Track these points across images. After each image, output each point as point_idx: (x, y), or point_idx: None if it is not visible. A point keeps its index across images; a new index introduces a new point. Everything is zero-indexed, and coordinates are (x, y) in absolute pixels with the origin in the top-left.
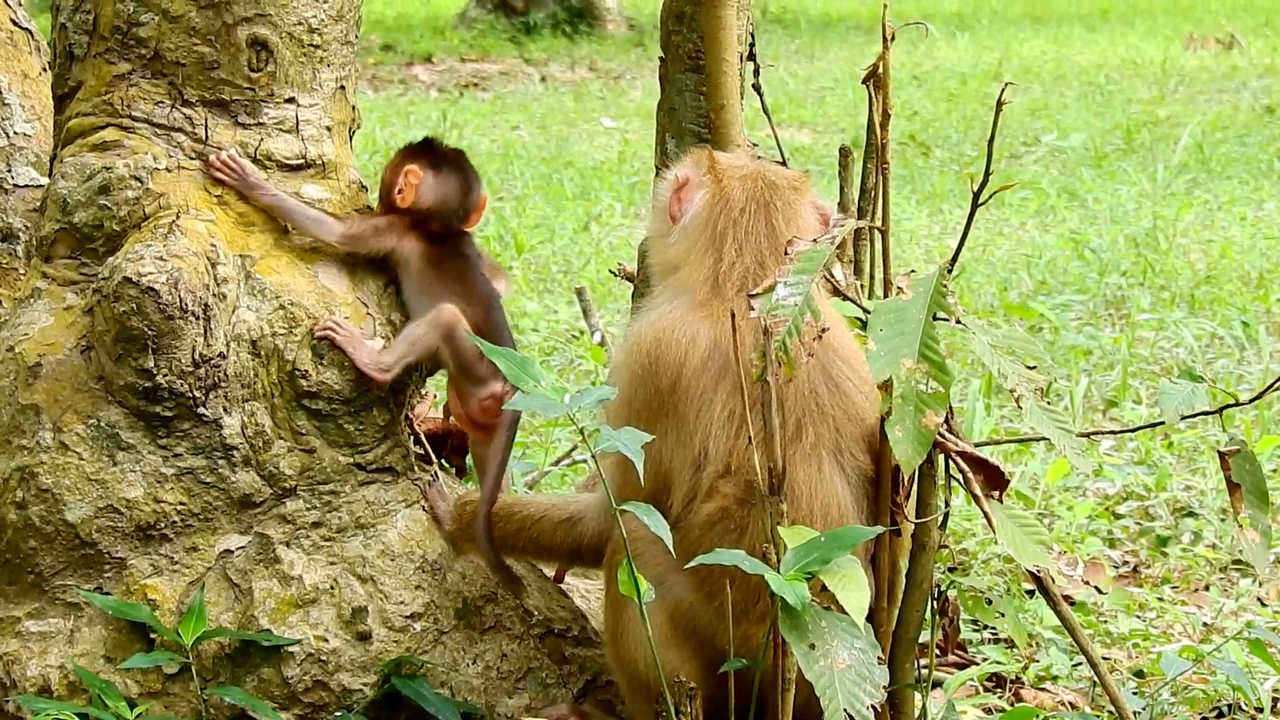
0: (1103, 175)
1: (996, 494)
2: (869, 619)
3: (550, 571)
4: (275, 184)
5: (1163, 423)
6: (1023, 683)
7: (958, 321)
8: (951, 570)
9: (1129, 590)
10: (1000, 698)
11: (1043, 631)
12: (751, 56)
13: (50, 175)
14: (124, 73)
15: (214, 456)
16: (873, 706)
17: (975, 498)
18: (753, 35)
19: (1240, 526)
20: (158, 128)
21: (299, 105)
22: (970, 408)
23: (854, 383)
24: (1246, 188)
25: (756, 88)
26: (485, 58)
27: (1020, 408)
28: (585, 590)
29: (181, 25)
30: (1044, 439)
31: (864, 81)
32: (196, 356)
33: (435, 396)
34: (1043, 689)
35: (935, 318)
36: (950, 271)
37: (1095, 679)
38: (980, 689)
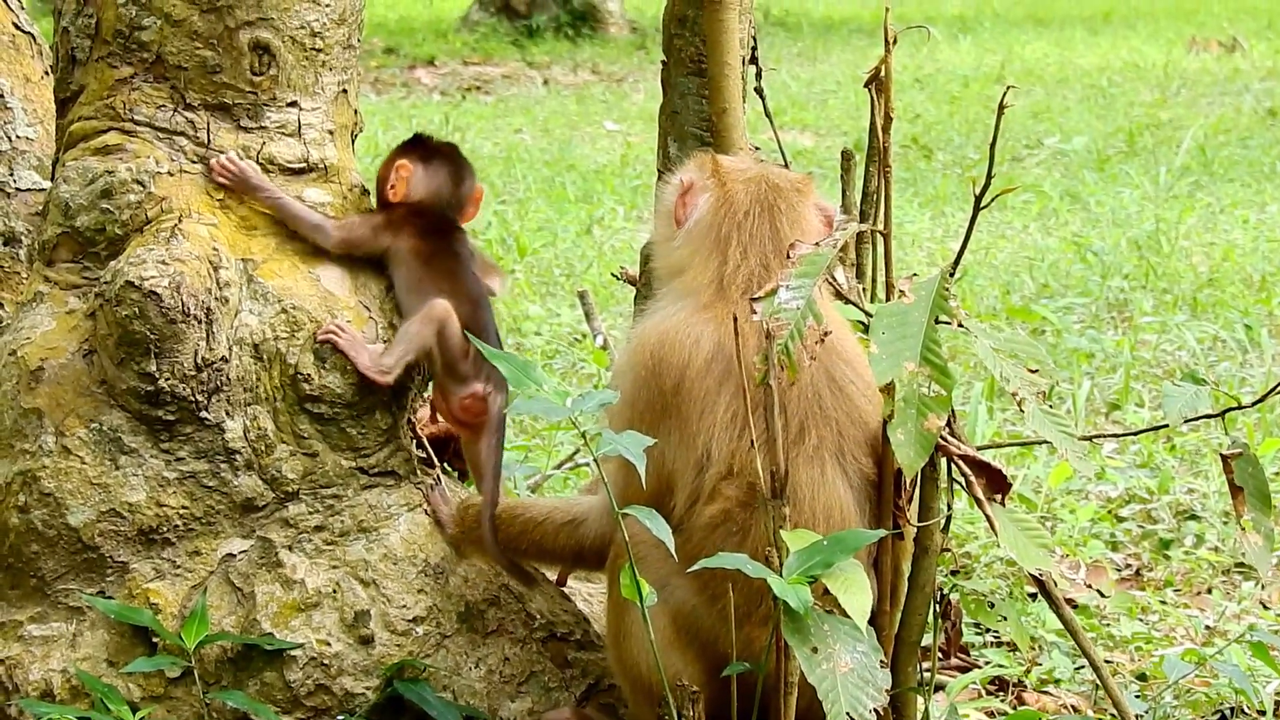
0: (1105, 178)
1: (999, 497)
2: (871, 622)
3: (552, 575)
4: (278, 186)
5: (1165, 426)
6: (1025, 686)
7: (960, 325)
8: (954, 573)
9: (1131, 593)
10: (1003, 701)
11: (1045, 635)
12: (754, 60)
13: (52, 179)
14: (126, 76)
15: (216, 460)
16: (875, 710)
17: (977, 501)
18: (755, 38)
19: (1243, 529)
20: (160, 131)
21: (301, 109)
22: (972, 411)
23: (857, 385)
24: (1249, 190)
25: (759, 91)
26: (488, 61)
27: (1022, 411)
28: (588, 594)
29: (184, 29)
30: (1046, 442)
31: (866, 84)
32: (199, 360)
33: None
34: (1045, 692)
35: (937, 321)
36: (952, 274)
37: (1098, 682)
38: (983, 692)
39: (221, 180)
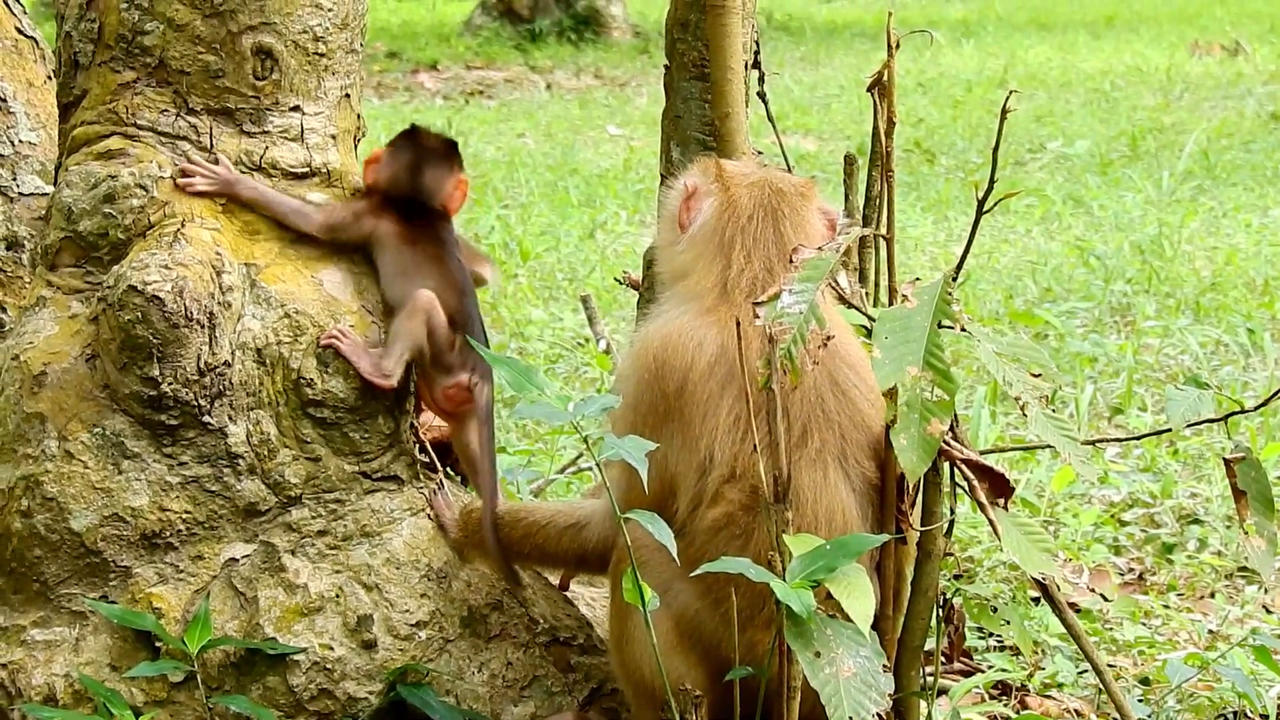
0: (1108, 182)
1: (1001, 501)
2: (874, 627)
3: (555, 579)
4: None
5: (1168, 430)
6: (1028, 690)
7: (963, 329)
8: (957, 578)
9: (1134, 597)
10: (1006, 705)
11: (1048, 639)
12: (756, 64)
13: (55, 184)
14: (129, 81)
15: (219, 465)
16: (878, 714)
17: (980, 505)
18: (757, 43)
19: (1246, 533)
20: (163, 136)
21: (304, 113)
22: (975, 415)
23: (860, 389)
24: (1251, 194)
25: (761, 95)
26: (491, 65)
27: (1025, 415)
28: (590, 598)
29: (186, 34)
30: (1049, 446)
31: (869, 89)
32: (201, 365)
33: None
34: (1048, 697)
35: (940, 325)
36: (955, 279)
37: (1101, 686)
38: (985, 697)
39: (199, 188)
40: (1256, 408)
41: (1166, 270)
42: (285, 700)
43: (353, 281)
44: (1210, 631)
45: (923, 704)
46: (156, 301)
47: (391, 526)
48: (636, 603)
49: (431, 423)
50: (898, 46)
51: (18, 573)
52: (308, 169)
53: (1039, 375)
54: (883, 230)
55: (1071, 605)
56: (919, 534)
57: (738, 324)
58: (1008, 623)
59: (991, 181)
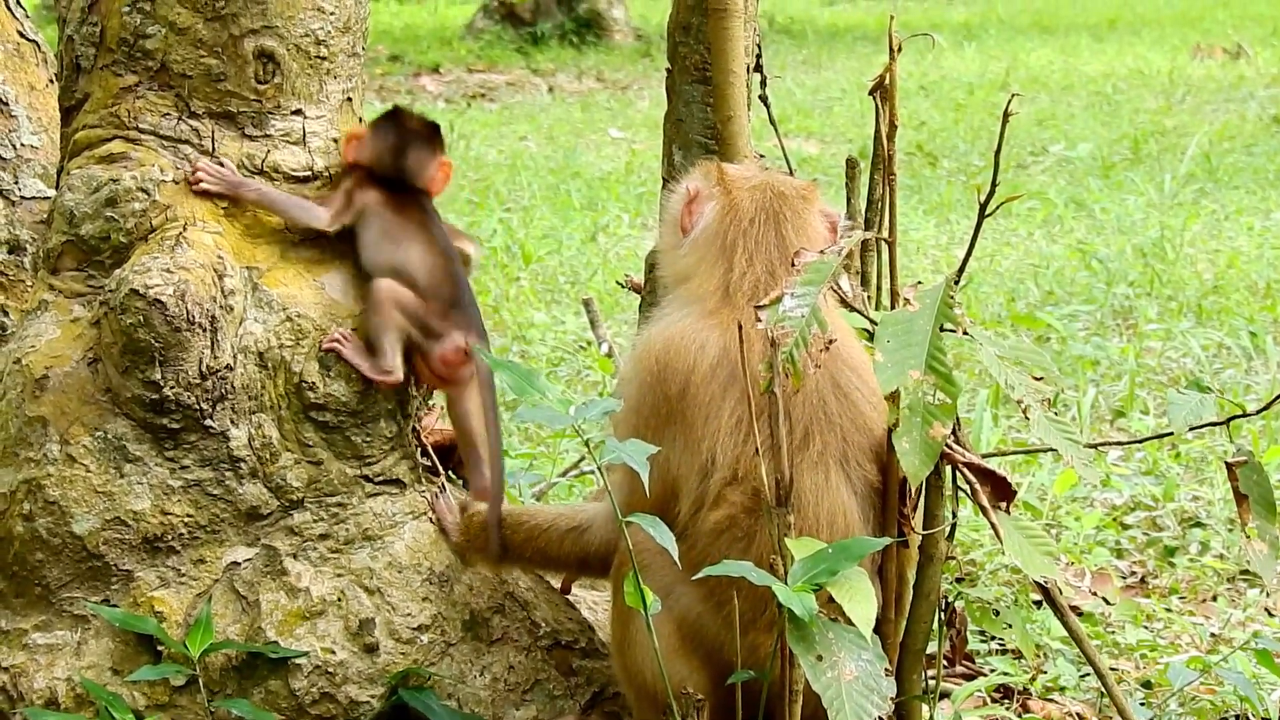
0: (1110, 185)
1: (1004, 505)
2: (876, 630)
3: (557, 582)
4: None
5: (1170, 433)
6: (1030, 694)
7: (965, 332)
8: (959, 581)
9: (1136, 601)
10: (1008, 709)
11: (1050, 642)
12: (758, 67)
13: (57, 187)
14: (131, 85)
15: (221, 468)
16: (880, 718)
17: (982, 509)
18: (759, 46)
19: (1248, 537)
20: (165, 140)
21: (306, 117)
22: (977, 418)
23: (862, 392)
24: (1254, 197)
25: (763, 99)
26: (492, 68)
27: (1028, 418)
28: (593, 602)
29: (188, 37)
30: (1051, 450)
31: (871, 92)
32: (203, 368)
33: (441, 409)
34: (1050, 700)
35: (942, 329)
36: (957, 282)
37: (1103, 690)
38: (988, 700)
39: (204, 188)
40: (1259, 411)
41: (1168, 273)
42: (287, 704)
43: (354, 285)
44: (1212, 635)
45: (925, 707)
46: (158, 305)
47: (393, 530)
48: (638, 606)
49: (434, 426)
50: (900, 50)
51: (19, 576)
52: (310, 172)
53: (1041, 378)
54: (884, 233)
55: (1073, 608)
56: (921, 537)
57: (740, 327)
58: (1010, 626)
59: (993, 184)
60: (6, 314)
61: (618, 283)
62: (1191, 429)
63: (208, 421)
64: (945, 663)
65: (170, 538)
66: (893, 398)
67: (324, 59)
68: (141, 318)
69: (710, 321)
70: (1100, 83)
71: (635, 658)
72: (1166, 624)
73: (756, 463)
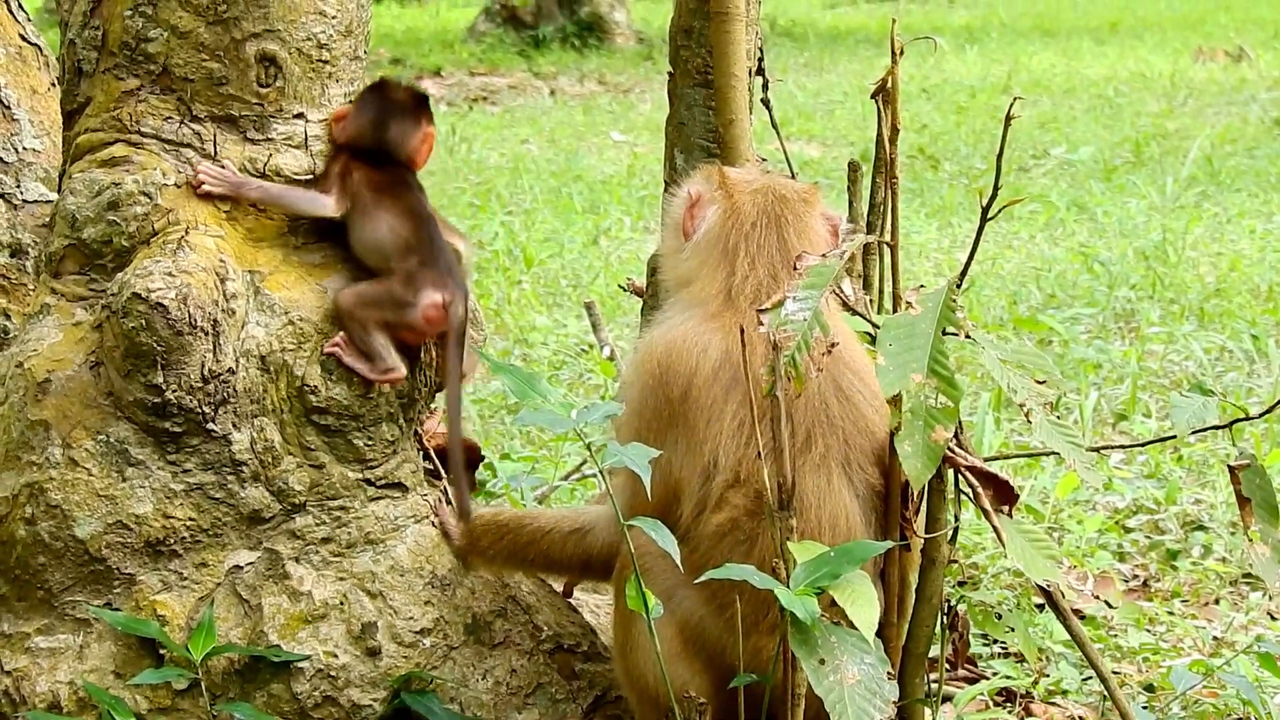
0: (1112, 188)
1: (1006, 508)
2: (878, 634)
3: (559, 586)
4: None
5: (1173, 437)
6: (1033, 697)
7: (967, 335)
8: (961, 585)
9: (1139, 604)
10: (1010, 712)
11: (1052, 646)
12: (760, 71)
13: (59, 191)
14: (133, 88)
15: (223, 472)
16: None
17: (985, 512)
18: (761, 49)
19: (1250, 540)
20: (166, 143)
21: (308, 120)
22: (980, 422)
23: (864, 395)
24: (1256, 200)
25: (765, 102)
26: (494, 71)
27: (1030, 422)
28: (595, 605)
29: (190, 41)
30: (1054, 453)
31: (873, 95)
32: (205, 372)
33: (443, 412)
34: (1053, 703)
35: (944, 332)
36: (959, 285)
37: (1105, 693)
38: (990, 704)
39: (207, 190)
40: (1261, 414)
41: (1170, 276)
42: (290, 708)
43: None
44: (1215, 638)
45: (927, 711)
46: (160, 309)
47: (395, 534)
48: (640, 609)
49: (435, 429)
50: (901, 53)
51: (22, 580)
52: (311, 176)
53: (1043, 382)
54: (886, 237)
55: (1076, 612)
56: (923, 540)
57: (742, 330)
58: (1012, 629)
59: (995, 188)
60: (9, 318)
61: (620, 286)
62: (1194, 432)
63: (210, 425)
64: (947, 666)
65: (172, 541)
66: (895, 401)
67: (326, 62)
68: (143, 321)
69: (712, 325)
70: (1102, 86)
71: (637, 661)
72: (1169, 627)
73: (758, 466)
